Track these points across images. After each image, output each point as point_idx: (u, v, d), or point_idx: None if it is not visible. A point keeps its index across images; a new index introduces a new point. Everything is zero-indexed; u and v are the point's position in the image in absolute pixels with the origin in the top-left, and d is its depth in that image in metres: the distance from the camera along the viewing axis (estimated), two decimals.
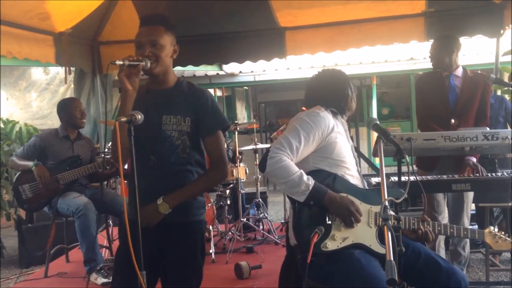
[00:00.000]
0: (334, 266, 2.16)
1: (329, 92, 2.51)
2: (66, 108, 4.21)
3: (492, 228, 2.34)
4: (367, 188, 2.45)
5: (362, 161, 5.17)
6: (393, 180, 3.01)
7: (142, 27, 2.24)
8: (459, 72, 3.44)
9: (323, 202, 2.20)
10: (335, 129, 2.36)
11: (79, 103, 4.31)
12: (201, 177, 2.28)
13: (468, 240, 3.55)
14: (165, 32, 2.22)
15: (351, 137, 2.64)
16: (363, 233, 2.22)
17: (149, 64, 2.15)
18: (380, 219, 2.20)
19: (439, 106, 3.42)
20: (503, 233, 2.32)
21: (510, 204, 3.34)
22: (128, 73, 2.11)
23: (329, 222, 2.22)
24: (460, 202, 3.45)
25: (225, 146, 5.08)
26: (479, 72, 3.59)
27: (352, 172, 2.39)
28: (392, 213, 2.13)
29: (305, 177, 2.21)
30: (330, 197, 2.20)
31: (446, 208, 3.60)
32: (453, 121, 3.36)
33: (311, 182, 2.20)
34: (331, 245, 2.18)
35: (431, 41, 3.61)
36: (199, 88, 2.38)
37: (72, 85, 6.30)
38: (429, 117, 3.44)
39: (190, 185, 2.23)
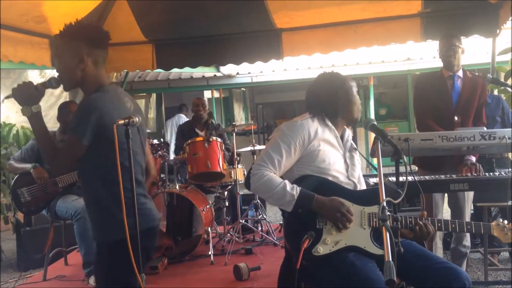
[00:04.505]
0: (328, 270, 2.16)
1: (319, 97, 2.49)
2: (62, 111, 4.21)
3: (500, 220, 2.28)
4: (358, 190, 2.44)
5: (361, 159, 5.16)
6: (390, 180, 3.01)
7: None
8: (460, 73, 3.49)
9: (312, 208, 2.21)
10: (318, 136, 2.36)
11: (73, 106, 4.29)
12: (56, 147, 2.12)
13: (469, 237, 3.57)
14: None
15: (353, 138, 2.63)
16: (357, 235, 2.21)
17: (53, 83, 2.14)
18: (374, 220, 2.21)
19: (442, 106, 3.44)
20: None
21: (508, 203, 3.34)
22: None
23: (319, 226, 2.21)
24: (462, 202, 3.46)
25: (223, 147, 5.10)
26: (477, 73, 3.63)
27: (340, 179, 2.37)
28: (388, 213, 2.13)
29: (288, 187, 2.22)
30: (319, 202, 2.21)
31: (443, 210, 3.61)
32: (456, 118, 3.39)
33: (296, 191, 2.21)
34: (322, 249, 2.17)
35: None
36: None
37: None
38: (430, 117, 3.44)
39: (51, 140, 2.11)
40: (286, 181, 2.25)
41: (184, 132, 5.78)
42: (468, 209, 3.52)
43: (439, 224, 2.27)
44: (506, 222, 2.27)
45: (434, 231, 2.25)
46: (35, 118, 2.10)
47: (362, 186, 2.52)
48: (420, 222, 2.22)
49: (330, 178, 2.35)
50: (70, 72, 2.13)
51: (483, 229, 2.29)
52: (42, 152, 3.72)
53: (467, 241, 3.54)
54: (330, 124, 2.44)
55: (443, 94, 3.46)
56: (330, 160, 2.37)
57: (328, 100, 2.46)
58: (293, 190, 2.22)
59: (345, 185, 2.37)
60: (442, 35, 3.57)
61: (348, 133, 2.55)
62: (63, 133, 4.18)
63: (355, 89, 2.51)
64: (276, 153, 2.30)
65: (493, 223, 2.28)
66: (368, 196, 2.29)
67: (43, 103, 2.16)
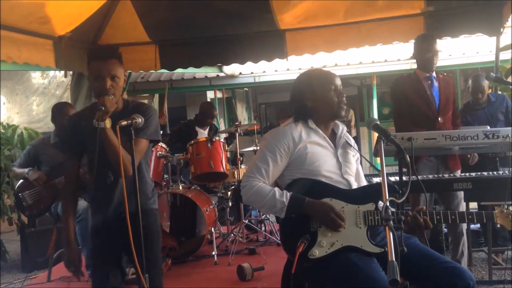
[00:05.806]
0: (330, 271, 2.14)
1: (293, 102, 2.48)
2: (57, 113, 4.19)
3: (505, 206, 2.20)
4: (353, 188, 2.39)
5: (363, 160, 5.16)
6: (390, 179, 3.01)
7: (99, 61, 2.37)
8: (434, 74, 3.54)
9: (304, 212, 2.20)
10: (304, 140, 2.35)
11: (71, 108, 4.28)
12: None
13: (465, 237, 3.57)
14: (120, 66, 2.41)
15: (354, 138, 2.62)
16: (352, 235, 2.19)
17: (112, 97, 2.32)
18: (370, 218, 2.19)
19: (423, 108, 3.47)
20: None
21: (507, 202, 3.33)
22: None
23: (313, 229, 2.20)
24: (455, 202, 3.47)
25: (226, 147, 5.08)
26: (445, 74, 3.72)
27: (333, 179, 2.35)
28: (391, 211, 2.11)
29: (278, 194, 2.22)
30: (310, 206, 2.20)
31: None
32: (440, 119, 3.43)
33: (286, 197, 2.21)
34: (318, 252, 2.16)
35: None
36: (144, 104, 2.54)
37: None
38: (411, 121, 3.44)
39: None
40: (276, 189, 2.25)
41: (182, 130, 5.80)
42: (461, 208, 3.51)
43: (438, 217, 2.19)
44: (511, 208, 2.19)
45: (429, 224, 2.16)
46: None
47: (361, 181, 2.50)
48: (411, 213, 2.17)
49: (323, 179, 2.32)
50: (121, 89, 2.42)
51: (486, 217, 2.21)
52: (42, 155, 4.12)
53: (464, 244, 3.54)
54: (314, 126, 2.41)
55: (423, 96, 3.49)
56: (320, 161, 2.34)
57: (299, 104, 2.44)
58: (283, 196, 2.22)
59: (338, 184, 2.34)
60: (419, 37, 3.60)
61: (342, 128, 2.48)
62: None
63: (330, 85, 2.39)
64: (263, 163, 2.31)
65: (496, 211, 2.20)
66: (363, 195, 2.28)
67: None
